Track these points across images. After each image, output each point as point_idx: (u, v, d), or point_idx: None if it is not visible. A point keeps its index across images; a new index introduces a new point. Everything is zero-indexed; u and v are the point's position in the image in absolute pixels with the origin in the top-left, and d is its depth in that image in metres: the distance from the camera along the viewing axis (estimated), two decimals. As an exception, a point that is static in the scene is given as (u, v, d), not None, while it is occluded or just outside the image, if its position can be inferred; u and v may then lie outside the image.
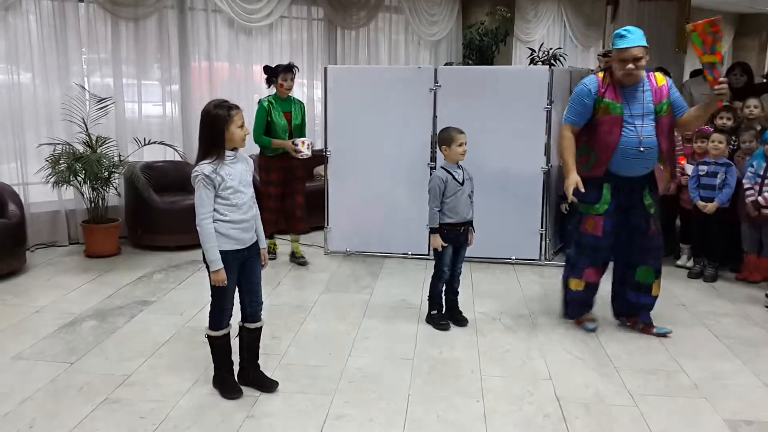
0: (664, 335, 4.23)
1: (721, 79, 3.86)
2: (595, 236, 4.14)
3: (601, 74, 4.08)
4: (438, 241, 4.24)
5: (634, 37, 3.90)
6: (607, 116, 3.97)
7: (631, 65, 3.88)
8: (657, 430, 3.12)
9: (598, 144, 4.02)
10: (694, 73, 7.91)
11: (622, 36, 3.94)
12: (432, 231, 4.25)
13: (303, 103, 5.82)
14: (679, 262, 5.80)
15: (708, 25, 3.76)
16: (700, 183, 5.41)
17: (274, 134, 5.53)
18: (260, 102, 5.61)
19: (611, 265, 4.39)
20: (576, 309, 4.40)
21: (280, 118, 5.55)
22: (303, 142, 5.46)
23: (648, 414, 3.27)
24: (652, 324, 4.30)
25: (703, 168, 5.40)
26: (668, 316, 4.61)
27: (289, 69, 5.52)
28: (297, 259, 5.84)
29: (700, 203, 5.35)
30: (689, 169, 5.57)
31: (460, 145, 4.19)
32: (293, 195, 5.74)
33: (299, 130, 5.70)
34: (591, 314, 4.41)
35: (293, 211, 5.76)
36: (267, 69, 5.59)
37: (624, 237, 4.18)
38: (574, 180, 4.01)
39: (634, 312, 4.35)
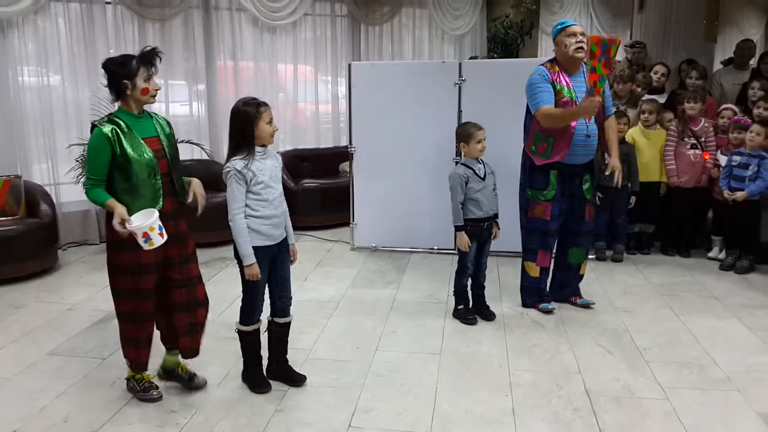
0: (587, 306, 4.56)
1: (595, 96, 3.98)
2: (544, 220, 4.37)
3: (548, 64, 4.28)
4: (464, 240, 4.20)
5: (573, 22, 4.28)
6: (563, 100, 4.15)
7: (580, 37, 4.13)
8: (689, 424, 3.08)
9: (557, 130, 4.17)
10: (725, 63, 7.77)
11: (562, 22, 4.28)
12: (457, 229, 4.22)
13: (167, 120, 3.33)
14: (710, 255, 5.71)
15: (594, 43, 3.91)
16: (731, 173, 5.32)
17: (131, 181, 3.06)
18: (97, 130, 3.05)
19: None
20: (531, 295, 4.58)
21: (140, 151, 3.07)
22: (146, 231, 2.97)
23: (680, 408, 3.22)
24: (579, 295, 4.65)
25: (736, 158, 5.30)
26: (701, 308, 4.55)
27: (151, 58, 3.12)
28: (187, 381, 3.47)
29: (727, 193, 5.26)
30: (723, 160, 5.48)
31: (479, 141, 4.16)
32: (188, 285, 3.33)
33: (176, 169, 3.24)
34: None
35: (190, 312, 3.34)
36: (111, 64, 3.07)
37: (563, 222, 4.45)
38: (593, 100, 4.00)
39: (564, 293, 4.65)
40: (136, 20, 6.48)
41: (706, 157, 5.56)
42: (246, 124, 3.17)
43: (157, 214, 3.01)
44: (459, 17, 8.81)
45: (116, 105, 3.16)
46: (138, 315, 3.23)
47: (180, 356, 3.44)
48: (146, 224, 2.96)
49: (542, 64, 4.30)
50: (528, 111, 4.33)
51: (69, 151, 6.06)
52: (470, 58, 8.30)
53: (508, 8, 8.91)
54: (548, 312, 4.47)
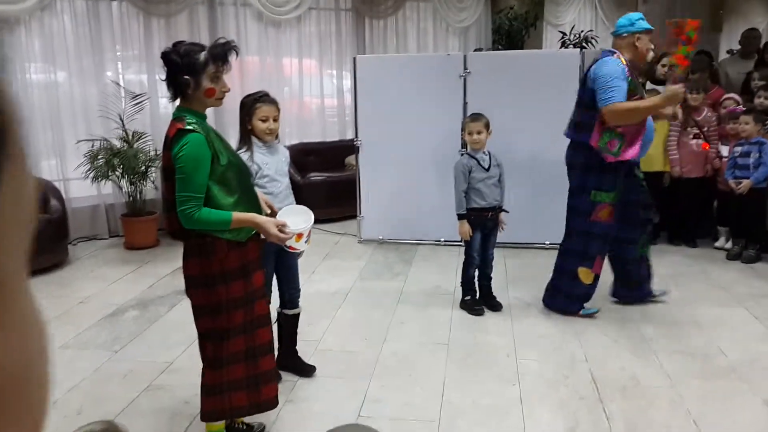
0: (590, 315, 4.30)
1: (676, 84, 3.95)
2: (609, 224, 4.16)
3: (617, 56, 3.98)
4: (465, 228, 4.24)
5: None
6: (635, 97, 3.95)
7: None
8: (695, 412, 3.11)
9: (628, 126, 3.96)
10: (730, 52, 7.76)
11: (642, 17, 4.01)
12: (459, 217, 4.26)
13: None
14: (717, 244, 5.72)
15: (671, 25, 3.90)
16: (736, 164, 5.33)
17: (234, 193, 2.58)
18: (196, 135, 2.48)
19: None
20: (577, 303, 4.30)
21: (236, 155, 2.73)
22: (299, 234, 2.76)
23: (685, 396, 3.25)
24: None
25: (738, 149, 5.32)
26: (707, 297, 4.57)
27: (224, 54, 2.57)
28: None
29: (732, 183, 5.28)
30: (725, 150, 5.50)
31: (470, 133, 4.21)
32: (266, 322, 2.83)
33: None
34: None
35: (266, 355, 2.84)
36: (173, 54, 2.52)
37: (623, 218, 4.22)
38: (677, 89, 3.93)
39: (642, 292, 4.45)
40: (142, 16, 6.51)
41: (705, 147, 5.57)
42: (241, 117, 3.25)
43: (301, 207, 2.81)
44: (463, 9, 8.80)
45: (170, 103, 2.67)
46: (254, 349, 2.75)
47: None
48: (311, 220, 2.69)
49: (613, 55, 3.96)
50: (582, 104, 4.07)
51: (77, 147, 6.11)
52: (475, 50, 8.31)
53: (513, 0, 8.91)
54: (592, 316, 4.27)
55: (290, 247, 2.76)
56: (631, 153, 4.00)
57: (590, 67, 4.04)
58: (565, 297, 4.30)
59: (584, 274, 4.24)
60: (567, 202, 4.27)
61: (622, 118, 3.90)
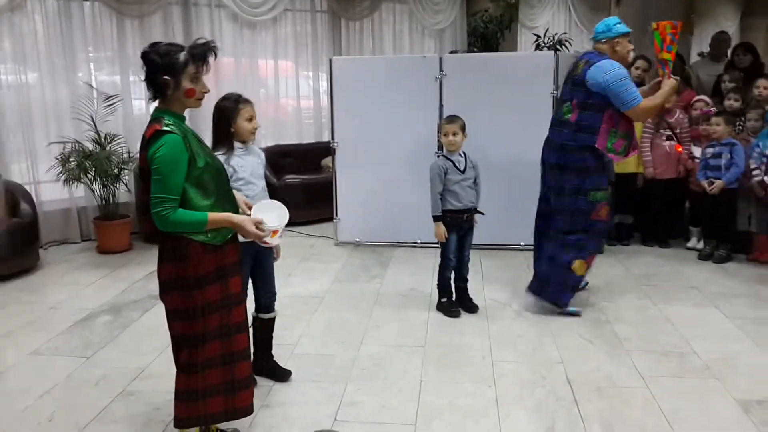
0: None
1: (671, 78, 4.19)
2: (606, 222, 4.32)
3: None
4: (441, 230, 4.25)
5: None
6: None
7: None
8: (668, 411, 3.14)
9: (629, 125, 4.15)
10: (701, 55, 7.87)
11: (618, 21, 4.17)
12: (435, 219, 4.27)
13: None
14: (689, 245, 5.79)
15: (669, 26, 4.10)
16: (708, 165, 5.40)
17: (211, 196, 2.57)
18: (173, 136, 2.46)
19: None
20: (570, 294, 4.36)
21: (212, 157, 2.67)
22: (274, 231, 2.72)
23: (659, 395, 3.28)
24: None
25: (709, 150, 5.40)
26: (679, 297, 4.63)
27: (203, 54, 2.52)
28: None
29: (704, 183, 5.35)
30: (697, 151, 5.57)
31: (446, 134, 4.23)
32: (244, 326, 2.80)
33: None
34: None
35: (242, 363, 2.77)
36: (152, 54, 2.48)
37: None
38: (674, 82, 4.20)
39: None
40: (115, 17, 6.43)
41: (678, 149, 5.65)
42: (224, 120, 3.19)
43: (274, 202, 2.84)
44: (439, 12, 8.84)
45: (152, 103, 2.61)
46: (231, 355, 2.70)
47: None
48: (286, 216, 2.74)
49: (605, 58, 4.08)
50: (585, 107, 4.10)
51: (49, 150, 6.01)
52: (450, 53, 8.34)
53: (488, 3, 8.98)
54: (577, 314, 4.31)
55: (263, 241, 2.75)
56: (634, 150, 4.28)
57: (584, 69, 4.08)
58: (558, 285, 4.31)
59: (579, 266, 4.30)
60: (563, 203, 4.26)
61: (646, 115, 4.52)
